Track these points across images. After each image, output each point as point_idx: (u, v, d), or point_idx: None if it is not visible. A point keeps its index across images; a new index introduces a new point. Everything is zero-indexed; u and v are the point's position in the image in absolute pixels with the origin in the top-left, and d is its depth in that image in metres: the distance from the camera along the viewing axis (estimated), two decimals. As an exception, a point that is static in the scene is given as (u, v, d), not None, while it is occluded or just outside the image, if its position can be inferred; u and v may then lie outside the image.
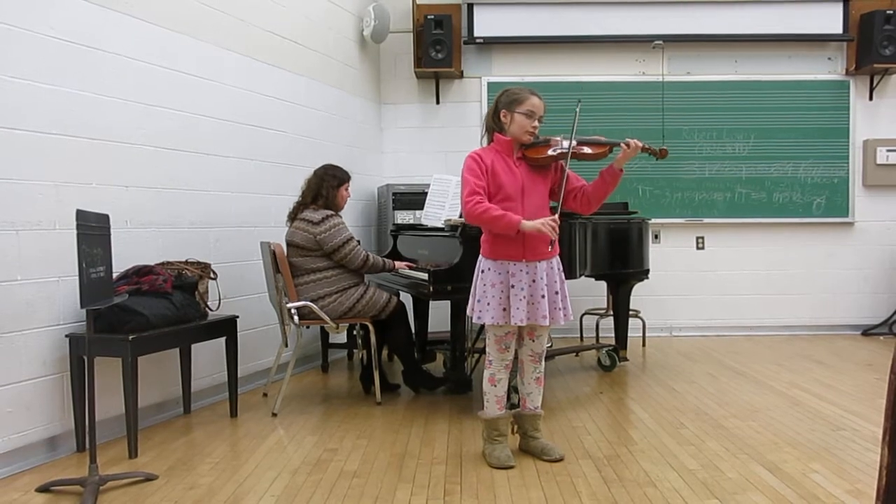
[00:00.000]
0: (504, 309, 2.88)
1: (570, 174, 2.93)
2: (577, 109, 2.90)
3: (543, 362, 3.07)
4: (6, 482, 2.82)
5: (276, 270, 3.81)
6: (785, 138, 6.03)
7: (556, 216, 2.83)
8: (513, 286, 2.87)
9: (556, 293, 2.94)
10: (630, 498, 2.56)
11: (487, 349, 3.01)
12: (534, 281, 2.88)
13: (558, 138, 2.95)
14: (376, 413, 3.75)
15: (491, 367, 3.00)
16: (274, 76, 4.60)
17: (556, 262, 2.97)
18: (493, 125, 2.98)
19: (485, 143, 3.04)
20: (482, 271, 2.94)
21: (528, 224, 2.79)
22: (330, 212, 3.87)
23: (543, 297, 2.88)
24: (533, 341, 3.01)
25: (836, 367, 4.76)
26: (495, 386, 2.99)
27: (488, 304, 2.89)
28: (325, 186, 3.92)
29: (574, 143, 2.90)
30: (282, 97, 4.68)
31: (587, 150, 2.96)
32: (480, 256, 2.98)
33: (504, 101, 2.93)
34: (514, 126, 2.90)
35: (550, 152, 2.92)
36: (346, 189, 4.01)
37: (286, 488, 2.71)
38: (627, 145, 2.86)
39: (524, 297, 2.86)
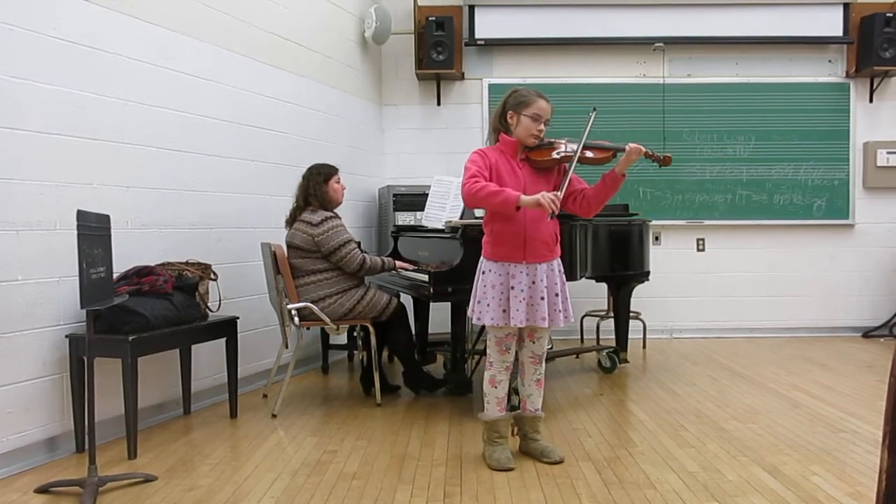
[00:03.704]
0: (504, 310, 2.88)
1: (573, 176, 2.91)
2: (592, 116, 2.87)
3: (544, 364, 3.07)
4: (5, 483, 2.82)
5: (276, 271, 3.81)
6: (785, 140, 6.03)
7: (559, 192, 2.78)
8: (512, 287, 2.86)
9: (557, 295, 2.93)
10: (630, 500, 2.55)
11: (488, 351, 3.00)
12: (533, 283, 2.88)
13: (563, 141, 2.94)
14: (376, 414, 3.75)
15: (491, 368, 2.99)
16: (275, 77, 4.60)
17: (556, 263, 2.96)
18: (500, 126, 2.97)
19: (489, 144, 3.04)
20: (483, 272, 2.94)
21: (526, 198, 2.74)
22: (329, 213, 3.87)
23: (543, 298, 2.87)
24: (533, 343, 3.01)
25: (836, 369, 4.75)
26: (496, 388, 2.99)
27: (488, 305, 2.88)
28: (312, 185, 3.91)
29: (579, 147, 2.89)
30: (283, 98, 4.68)
31: (590, 154, 2.95)
32: (481, 257, 2.98)
33: (512, 103, 2.92)
34: (520, 128, 2.90)
35: (554, 155, 2.91)
36: (337, 182, 3.98)
37: (286, 490, 2.70)
38: (630, 150, 2.85)
39: (524, 299, 2.86)
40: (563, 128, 2.96)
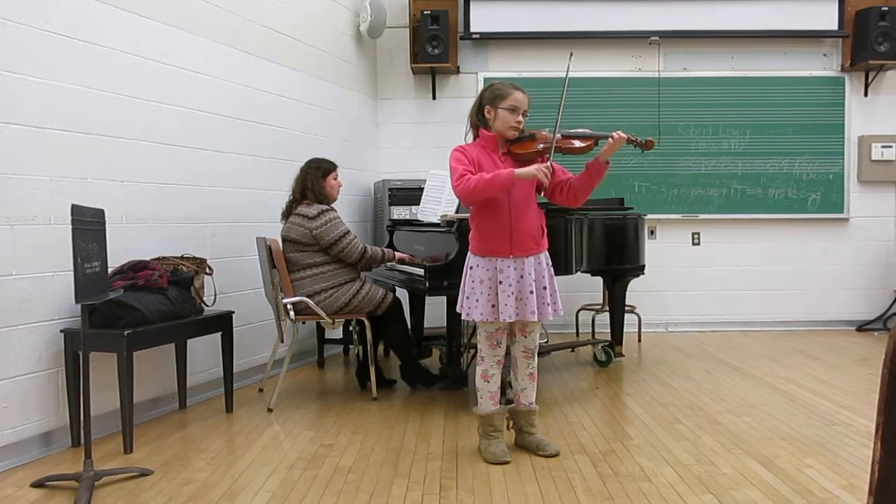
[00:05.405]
0: (493, 305, 2.88)
1: (556, 167, 2.91)
2: (569, 62, 2.86)
3: (536, 358, 3.07)
4: (1, 477, 2.82)
5: (271, 266, 3.81)
6: (780, 134, 6.04)
7: (550, 163, 2.80)
8: (500, 282, 2.86)
9: (545, 288, 2.92)
10: (625, 493, 2.57)
11: (479, 346, 3.01)
12: (521, 277, 2.88)
13: (544, 132, 2.94)
14: (372, 408, 3.75)
15: (483, 363, 3.00)
16: (270, 71, 4.59)
17: (544, 257, 2.96)
18: (478, 121, 2.97)
19: (470, 140, 3.03)
20: (470, 268, 2.94)
21: (522, 171, 2.77)
22: (325, 206, 3.87)
23: (532, 292, 2.87)
24: (525, 337, 3.01)
25: (830, 362, 4.77)
26: (488, 382, 3.00)
27: (477, 300, 2.88)
28: (310, 179, 3.92)
29: (559, 136, 2.89)
30: (278, 92, 4.67)
31: (573, 143, 2.95)
32: (469, 253, 2.98)
33: (488, 97, 2.92)
34: (499, 122, 2.89)
35: (538, 147, 2.91)
36: (335, 178, 4.00)
37: (282, 483, 2.71)
38: (612, 137, 2.84)
39: (512, 293, 2.86)
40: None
